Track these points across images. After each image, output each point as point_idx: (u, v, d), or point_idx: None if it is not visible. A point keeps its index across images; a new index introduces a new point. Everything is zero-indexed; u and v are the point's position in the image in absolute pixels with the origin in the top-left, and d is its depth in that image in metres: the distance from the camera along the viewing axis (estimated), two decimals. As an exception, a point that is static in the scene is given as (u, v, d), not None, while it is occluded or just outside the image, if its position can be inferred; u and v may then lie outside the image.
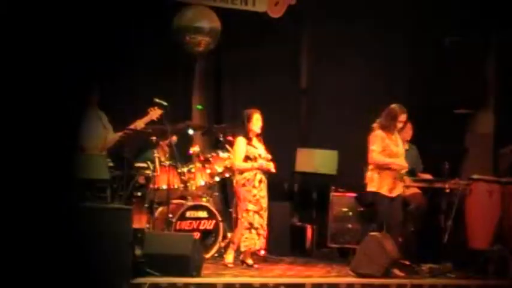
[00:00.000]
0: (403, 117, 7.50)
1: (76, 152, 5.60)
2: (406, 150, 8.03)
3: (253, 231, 7.32)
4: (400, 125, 7.53)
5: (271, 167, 7.43)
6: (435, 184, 7.63)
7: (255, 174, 7.39)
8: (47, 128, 4.19)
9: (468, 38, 8.95)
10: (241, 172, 7.41)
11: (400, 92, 9.32)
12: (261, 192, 7.40)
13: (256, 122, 7.47)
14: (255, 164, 7.40)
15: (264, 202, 7.40)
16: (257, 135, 7.52)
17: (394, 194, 7.34)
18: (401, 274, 6.96)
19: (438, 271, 7.08)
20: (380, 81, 9.26)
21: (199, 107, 9.04)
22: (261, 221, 7.35)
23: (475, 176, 7.64)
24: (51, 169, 4.21)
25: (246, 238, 7.32)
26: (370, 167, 7.41)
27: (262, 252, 7.57)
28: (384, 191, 7.31)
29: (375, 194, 7.33)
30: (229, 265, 7.31)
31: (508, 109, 8.88)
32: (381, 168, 7.31)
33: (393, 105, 7.52)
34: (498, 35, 9.12)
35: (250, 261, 7.38)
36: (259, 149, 7.49)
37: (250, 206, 7.34)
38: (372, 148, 7.36)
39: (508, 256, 7.22)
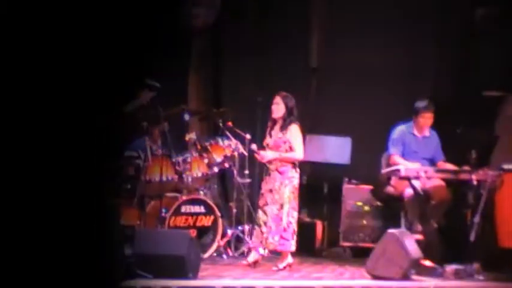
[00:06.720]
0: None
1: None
2: (425, 137, 8.09)
3: (258, 229, 7.50)
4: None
5: (261, 156, 7.54)
6: (461, 175, 7.57)
7: (265, 166, 7.61)
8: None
9: (503, 7, 8.86)
10: None
11: (423, 71, 9.39)
12: (266, 185, 7.53)
13: (273, 106, 7.57)
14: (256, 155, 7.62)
15: (271, 196, 7.46)
16: (282, 122, 7.55)
17: None
18: (423, 276, 6.96)
19: (465, 273, 7.06)
20: (401, 59, 9.29)
21: None
22: (264, 217, 7.45)
23: (507, 166, 7.56)
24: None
25: (252, 236, 7.59)
26: None
27: (266, 252, 7.58)
28: None
29: None
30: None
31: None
32: None
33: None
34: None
35: (249, 258, 7.53)
36: (272, 137, 7.59)
37: (258, 201, 7.58)
38: None
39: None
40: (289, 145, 7.53)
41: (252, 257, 7.51)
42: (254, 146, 7.71)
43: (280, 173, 7.50)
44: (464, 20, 9.09)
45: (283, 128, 7.54)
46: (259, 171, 8.59)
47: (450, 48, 9.33)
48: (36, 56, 4.67)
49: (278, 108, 7.55)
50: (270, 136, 7.61)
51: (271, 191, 7.48)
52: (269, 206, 7.47)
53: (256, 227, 7.53)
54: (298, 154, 7.54)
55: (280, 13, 9.13)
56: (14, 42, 4.58)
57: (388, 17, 9.20)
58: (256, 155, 7.64)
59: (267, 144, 7.60)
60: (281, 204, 7.44)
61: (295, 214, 7.52)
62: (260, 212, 7.49)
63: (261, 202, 7.53)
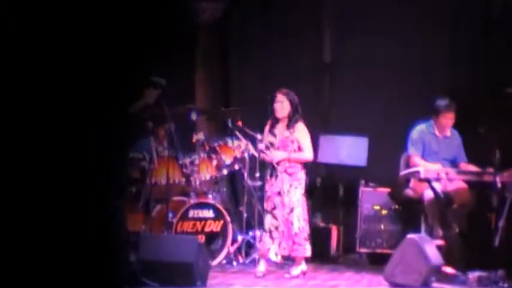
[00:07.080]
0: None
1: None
2: (446, 137, 8.02)
3: (265, 234, 7.39)
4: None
5: (272, 156, 7.41)
6: (484, 177, 7.53)
7: (270, 167, 7.46)
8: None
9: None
10: None
11: (440, 67, 9.33)
12: (272, 188, 7.41)
13: (276, 105, 7.45)
14: (264, 155, 7.51)
15: (279, 199, 7.37)
16: (288, 121, 7.45)
17: None
18: (445, 284, 6.97)
19: (488, 280, 7.03)
20: (417, 54, 9.22)
21: None
22: (274, 222, 7.35)
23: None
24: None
25: (260, 242, 7.45)
26: None
27: (278, 258, 7.49)
28: None
29: None
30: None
31: None
32: None
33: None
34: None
35: (260, 268, 7.36)
36: (277, 136, 7.46)
37: (264, 205, 7.44)
38: None
39: None
40: (297, 145, 7.43)
41: (262, 267, 7.37)
42: (262, 146, 7.57)
43: (289, 174, 7.41)
44: (483, 11, 9.06)
45: (290, 126, 7.43)
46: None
47: (468, 41, 9.29)
48: (36, 51, 4.69)
49: (283, 106, 7.43)
50: (274, 135, 7.48)
51: (279, 193, 7.39)
52: (278, 209, 7.36)
53: (263, 233, 7.43)
54: (308, 154, 7.47)
55: (291, 7, 9.08)
56: (13, 42, 4.62)
57: (403, 10, 9.19)
58: (264, 156, 7.52)
59: (272, 144, 7.47)
60: (291, 207, 7.34)
61: (307, 216, 7.44)
62: (269, 217, 7.38)
63: (268, 206, 7.42)
